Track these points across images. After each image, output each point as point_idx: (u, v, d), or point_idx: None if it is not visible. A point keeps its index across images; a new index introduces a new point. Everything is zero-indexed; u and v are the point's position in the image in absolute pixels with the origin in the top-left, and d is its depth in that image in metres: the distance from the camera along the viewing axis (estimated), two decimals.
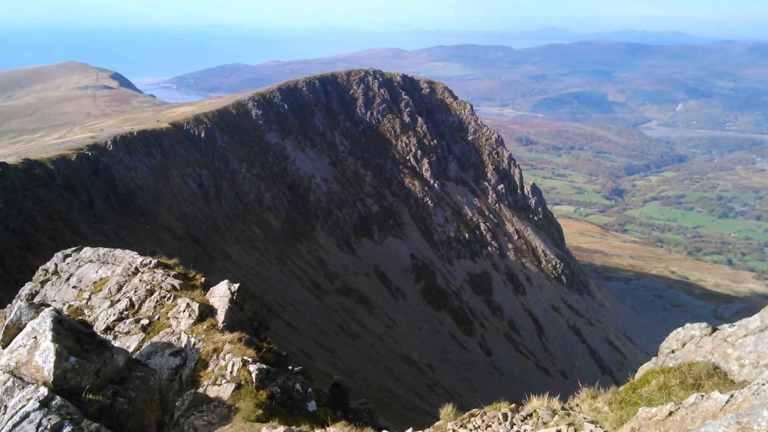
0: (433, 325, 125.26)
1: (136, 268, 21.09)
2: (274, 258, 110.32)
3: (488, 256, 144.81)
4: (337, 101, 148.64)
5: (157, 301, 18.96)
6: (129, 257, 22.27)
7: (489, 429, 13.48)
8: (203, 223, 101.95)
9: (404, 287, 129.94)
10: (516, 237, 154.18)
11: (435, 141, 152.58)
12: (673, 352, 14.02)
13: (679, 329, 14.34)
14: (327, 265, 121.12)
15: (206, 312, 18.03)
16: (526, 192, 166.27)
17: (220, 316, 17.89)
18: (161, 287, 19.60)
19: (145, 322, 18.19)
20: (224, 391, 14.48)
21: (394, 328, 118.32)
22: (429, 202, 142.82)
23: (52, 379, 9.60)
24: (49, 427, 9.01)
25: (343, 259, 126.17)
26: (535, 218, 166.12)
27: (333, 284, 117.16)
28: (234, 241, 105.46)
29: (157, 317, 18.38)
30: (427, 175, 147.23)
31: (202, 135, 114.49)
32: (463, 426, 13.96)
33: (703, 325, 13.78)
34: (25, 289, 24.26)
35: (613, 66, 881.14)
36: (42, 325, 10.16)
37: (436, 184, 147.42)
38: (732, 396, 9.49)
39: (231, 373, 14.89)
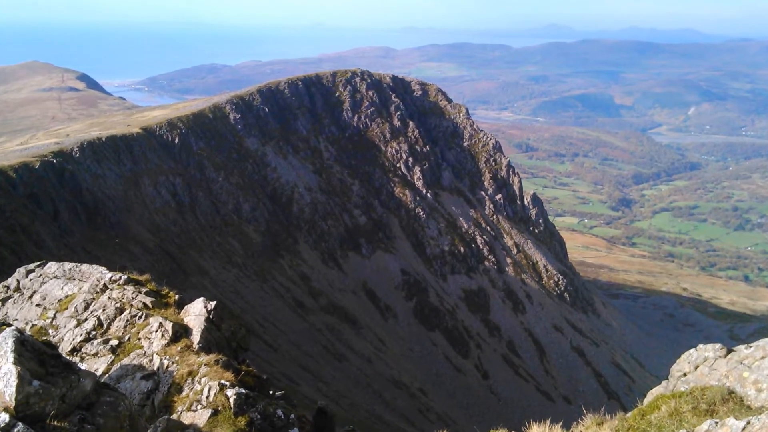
0: (426, 347, 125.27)
1: (104, 284, 21.04)
2: (254, 274, 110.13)
3: (485, 272, 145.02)
4: (322, 104, 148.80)
5: (128, 321, 18.91)
6: (97, 273, 22.23)
7: None
8: (177, 236, 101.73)
9: (394, 305, 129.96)
10: (515, 251, 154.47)
11: (427, 147, 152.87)
12: (684, 375, 14.08)
13: (692, 351, 14.41)
14: (311, 281, 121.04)
15: (180, 332, 18.00)
16: (525, 202, 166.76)
17: (196, 337, 17.86)
18: (132, 305, 19.55)
19: (114, 342, 18.14)
20: (200, 417, 14.46)
21: (383, 350, 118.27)
22: (421, 214, 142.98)
23: (14, 404, 9.57)
24: None
25: (328, 275, 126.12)
26: (536, 231, 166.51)
27: (317, 302, 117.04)
28: (210, 255, 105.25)
29: (127, 338, 18.34)
30: (419, 184, 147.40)
31: (176, 141, 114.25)
32: None
33: (718, 346, 13.85)
34: None
35: (619, 66, 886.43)
36: (3, 346, 10.14)
37: (428, 194, 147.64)
38: (748, 423, 9.55)
39: (207, 398, 14.87)
